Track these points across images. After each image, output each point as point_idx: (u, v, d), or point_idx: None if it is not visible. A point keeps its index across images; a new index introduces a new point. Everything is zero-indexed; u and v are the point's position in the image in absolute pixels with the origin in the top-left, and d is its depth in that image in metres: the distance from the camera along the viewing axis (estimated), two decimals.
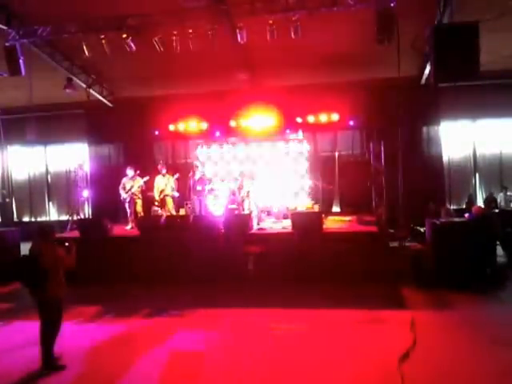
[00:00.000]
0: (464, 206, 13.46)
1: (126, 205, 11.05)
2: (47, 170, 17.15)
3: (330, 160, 14.15)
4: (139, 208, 11.09)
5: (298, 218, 9.42)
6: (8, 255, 10.18)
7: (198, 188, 11.41)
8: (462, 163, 14.45)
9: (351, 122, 12.79)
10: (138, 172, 11.19)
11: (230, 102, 13.25)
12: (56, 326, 5.29)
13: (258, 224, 10.72)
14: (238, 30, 9.37)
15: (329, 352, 5.55)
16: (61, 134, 16.39)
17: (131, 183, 10.98)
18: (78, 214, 12.86)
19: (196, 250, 9.24)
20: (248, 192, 10.93)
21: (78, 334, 6.63)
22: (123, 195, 10.98)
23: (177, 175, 11.50)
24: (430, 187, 12.76)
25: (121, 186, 11.03)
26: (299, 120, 12.99)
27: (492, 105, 13.68)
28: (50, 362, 5.22)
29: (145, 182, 11.09)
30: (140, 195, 11.12)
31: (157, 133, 13.99)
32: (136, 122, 14.02)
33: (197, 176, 11.48)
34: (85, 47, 9.97)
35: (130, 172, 11.06)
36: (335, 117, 12.76)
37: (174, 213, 11.34)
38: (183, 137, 14.21)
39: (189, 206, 12.07)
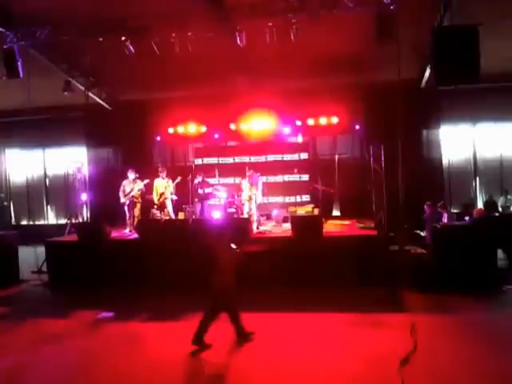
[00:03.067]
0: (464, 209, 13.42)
1: (125, 208, 10.99)
2: (45, 173, 17.11)
3: (329, 163, 14.11)
4: (137, 212, 11.01)
5: (297, 222, 9.37)
6: (6, 259, 10.15)
7: (200, 191, 11.39)
8: (462, 166, 14.43)
9: (357, 126, 12.78)
10: (138, 175, 11.14)
11: (229, 105, 13.22)
12: (215, 312, 5.94)
13: (258, 228, 10.68)
14: (237, 33, 9.34)
15: (329, 355, 5.50)
16: (59, 137, 16.34)
17: (131, 186, 10.92)
18: (76, 218, 12.80)
19: (195, 254, 9.17)
20: (249, 196, 10.89)
21: (76, 337, 6.57)
22: (122, 198, 10.92)
23: (178, 179, 11.45)
24: (430, 190, 12.72)
25: (121, 188, 10.96)
26: (299, 123, 12.99)
27: (492, 108, 13.67)
28: (199, 339, 5.83)
29: (145, 186, 11.04)
30: (140, 199, 11.06)
31: (156, 136, 13.99)
32: (135, 125, 13.99)
33: (198, 179, 11.46)
34: (84, 50, 9.95)
35: (130, 175, 11.00)
36: (335, 120, 12.76)
37: (173, 216, 11.28)
38: (182, 140, 14.19)
39: (188, 209, 12.02)
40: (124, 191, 10.92)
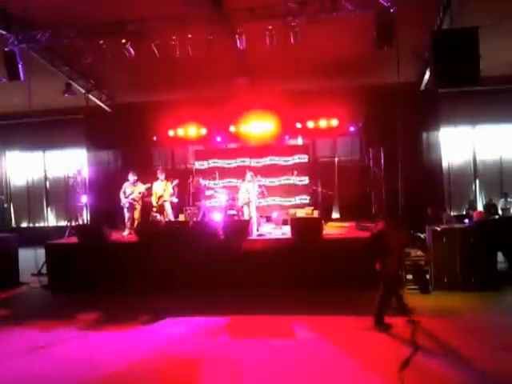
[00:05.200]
0: (464, 212, 13.44)
1: (125, 210, 11.01)
2: (46, 175, 17.13)
3: (329, 166, 14.13)
4: (137, 214, 11.02)
5: (297, 224, 9.37)
6: (5, 261, 10.15)
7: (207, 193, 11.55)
8: (462, 169, 14.45)
9: (351, 128, 12.84)
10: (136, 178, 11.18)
11: (229, 108, 13.24)
12: (390, 294, 6.54)
13: (258, 230, 10.68)
14: (237, 36, 9.36)
15: (329, 359, 5.49)
16: (59, 140, 16.40)
17: (132, 189, 10.93)
18: (76, 220, 12.79)
19: (195, 256, 9.17)
20: (248, 198, 10.90)
21: (78, 339, 6.56)
22: (123, 200, 10.93)
23: (176, 181, 11.46)
24: (429, 193, 12.72)
25: (121, 190, 10.98)
26: (299, 125, 13.02)
27: (492, 110, 13.70)
28: (381, 320, 6.42)
29: (146, 189, 11.04)
30: (140, 201, 11.07)
31: (156, 138, 14.02)
32: (135, 127, 14.00)
33: (203, 182, 11.59)
34: (84, 53, 9.98)
35: (131, 177, 11.01)
36: (335, 122, 12.79)
37: (172, 218, 11.28)
38: (183, 142, 14.22)
39: (188, 211, 12.02)
40: (125, 193, 10.94)
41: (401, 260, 6.91)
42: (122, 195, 10.94)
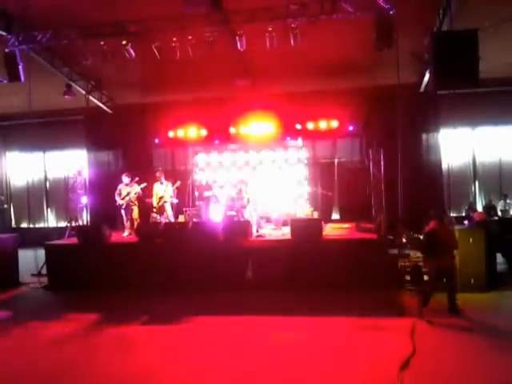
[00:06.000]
0: (464, 214, 13.45)
1: (122, 211, 11.06)
2: (46, 176, 17.13)
3: (329, 167, 14.15)
4: (135, 215, 11.06)
5: (297, 225, 9.38)
6: (5, 261, 10.15)
7: (206, 194, 11.56)
8: (462, 171, 14.45)
9: (350, 128, 12.85)
10: (137, 179, 11.21)
11: (229, 109, 13.26)
12: (453, 285, 7.08)
13: (257, 231, 10.69)
14: (237, 37, 9.37)
15: (328, 359, 5.49)
16: (60, 141, 16.40)
17: (128, 189, 10.99)
18: (76, 221, 12.80)
19: (195, 257, 9.19)
20: (248, 199, 10.93)
21: (76, 340, 6.57)
22: (119, 201, 10.99)
23: (178, 183, 11.51)
24: (429, 194, 12.74)
25: (116, 192, 11.04)
26: (299, 127, 13.04)
27: (491, 112, 13.71)
28: (454, 307, 6.99)
29: (142, 189, 11.09)
30: (136, 202, 11.11)
31: (156, 139, 14.05)
32: (135, 128, 14.03)
33: (204, 182, 11.61)
34: (84, 53, 10.00)
35: (125, 179, 11.09)
36: (334, 124, 12.81)
37: (172, 219, 11.31)
38: (183, 143, 14.23)
39: (188, 212, 12.03)
40: (120, 194, 11.00)
41: (454, 255, 7.18)
42: (117, 197, 11.01)
